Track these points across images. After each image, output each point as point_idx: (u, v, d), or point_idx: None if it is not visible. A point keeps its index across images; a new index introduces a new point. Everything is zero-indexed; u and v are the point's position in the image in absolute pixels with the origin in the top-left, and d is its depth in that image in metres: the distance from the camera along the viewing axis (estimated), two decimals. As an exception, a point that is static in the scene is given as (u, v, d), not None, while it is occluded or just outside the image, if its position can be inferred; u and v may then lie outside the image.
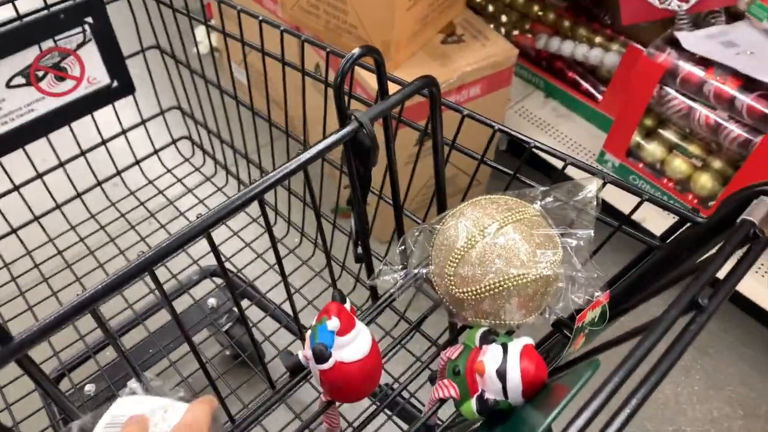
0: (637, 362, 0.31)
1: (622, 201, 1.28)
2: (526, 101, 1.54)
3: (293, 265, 0.89)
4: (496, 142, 1.55)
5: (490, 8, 1.59)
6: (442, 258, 0.45)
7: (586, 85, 1.47)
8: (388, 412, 0.82)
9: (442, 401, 0.48)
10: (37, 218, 0.93)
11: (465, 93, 1.26)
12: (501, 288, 0.42)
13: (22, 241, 0.91)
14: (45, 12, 0.76)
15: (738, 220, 0.36)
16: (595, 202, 0.44)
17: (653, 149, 1.24)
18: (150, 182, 1.02)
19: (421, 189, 1.36)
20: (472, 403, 0.44)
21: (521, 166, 0.52)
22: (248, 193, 0.37)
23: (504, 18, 1.56)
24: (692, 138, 1.22)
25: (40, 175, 0.92)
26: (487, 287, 0.43)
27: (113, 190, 0.99)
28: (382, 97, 0.44)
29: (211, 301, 1.12)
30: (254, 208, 0.83)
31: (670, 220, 1.25)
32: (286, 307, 0.69)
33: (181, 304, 1.05)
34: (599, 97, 1.44)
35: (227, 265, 0.97)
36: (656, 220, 1.25)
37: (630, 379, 0.32)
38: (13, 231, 0.91)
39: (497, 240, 0.43)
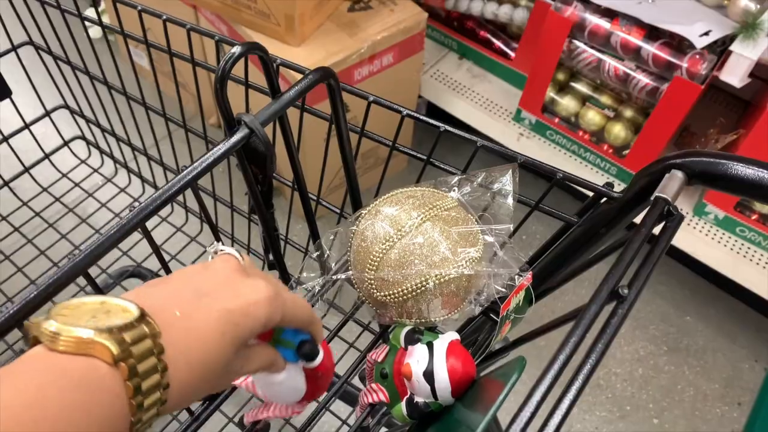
0: (564, 363, 0.30)
1: (546, 161, 1.30)
2: (440, 64, 1.52)
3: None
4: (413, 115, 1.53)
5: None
6: (361, 262, 0.43)
7: (498, 43, 1.46)
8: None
9: (372, 406, 0.46)
10: None
11: (377, 62, 1.22)
12: (423, 288, 0.40)
13: None
14: None
15: (652, 198, 0.35)
16: (511, 192, 0.43)
17: (567, 103, 1.25)
18: (44, 189, 0.94)
19: (339, 171, 1.32)
20: (402, 407, 0.42)
21: (433, 150, 0.50)
22: (126, 224, 0.33)
23: (410, -21, 1.52)
24: (603, 89, 1.23)
25: None
26: (409, 289, 0.41)
27: (4, 203, 0.91)
28: (273, 96, 0.40)
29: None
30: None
31: (598, 178, 1.26)
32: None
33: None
34: (512, 54, 1.43)
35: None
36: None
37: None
38: None
39: (416, 239, 0.40)
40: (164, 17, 0.60)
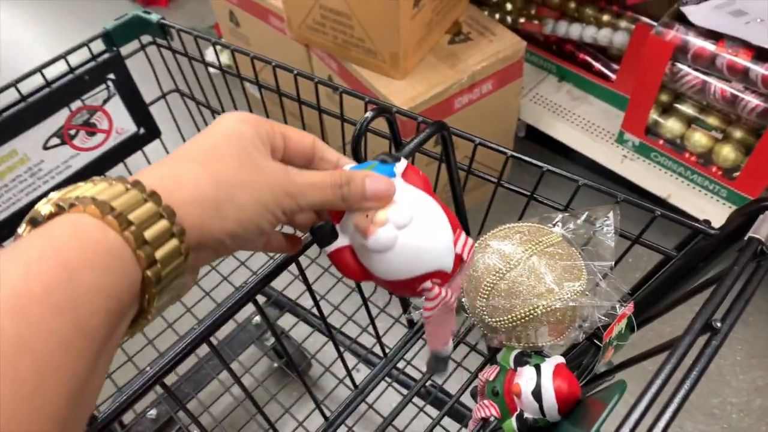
0: (658, 389, 0.33)
1: (651, 183, 1.28)
2: (539, 87, 1.55)
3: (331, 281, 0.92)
4: (513, 136, 1.56)
5: (494, -2, 1.59)
6: (473, 290, 0.48)
7: (598, 66, 1.47)
8: (434, 412, 0.85)
9: (485, 420, 0.51)
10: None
11: (477, 91, 1.28)
12: (531, 317, 0.45)
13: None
14: (71, 76, 0.80)
15: (746, 238, 0.38)
16: (613, 230, 0.47)
17: (671, 125, 1.24)
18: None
19: (443, 192, 1.38)
20: (513, 422, 0.47)
21: (536, 188, 0.54)
22: (279, 262, 0.41)
23: (509, 6, 1.56)
24: (710, 110, 1.21)
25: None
26: (518, 317, 0.46)
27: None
28: (396, 147, 0.47)
29: (256, 320, 1.18)
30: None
31: (707, 200, 1.22)
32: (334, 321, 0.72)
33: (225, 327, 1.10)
34: (612, 76, 1.44)
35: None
36: (693, 201, 1.26)
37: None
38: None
39: (523, 272, 0.45)
40: (295, 72, 0.69)
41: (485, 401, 0.50)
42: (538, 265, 0.45)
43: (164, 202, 0.28)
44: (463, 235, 0.37)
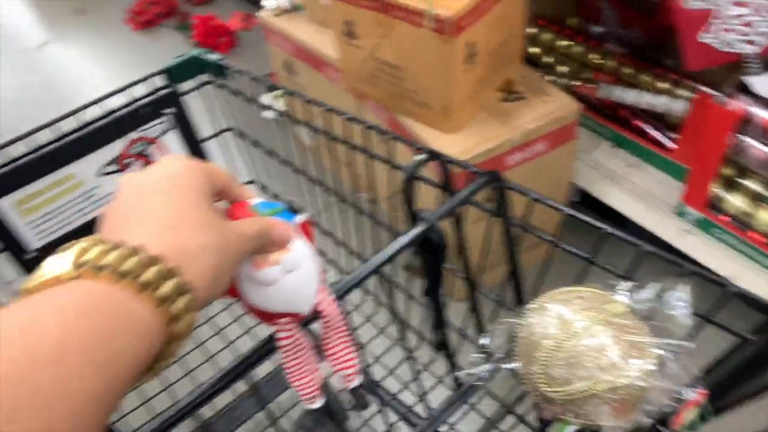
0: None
1: (714, 261, 1.21)
2: (594, 152, 1.51)
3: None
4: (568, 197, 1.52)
5: (547, 59, 1.58)
6: (528, 356, 0.44)
7: (653, 133, 1.43)
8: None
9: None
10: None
11: (530, 150, 1.25)
12: (591, 392, 0.41)
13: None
14: (131, 107, 0.82)
15: None
16: (686, 307, 0.42)
17: (735, 201, 1.18)
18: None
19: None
20: None
21: (596, 251, 0.51)
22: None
23: (564, 68, 1.55)
24: (778, 186, 1.15)
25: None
26: (578, 389, 0.41)
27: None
28: (447, 192, 0.44)
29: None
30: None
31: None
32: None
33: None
34: (669, 144, 1.39)
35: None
36: (761, 285, 1.18)
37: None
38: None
39: (585, 342, 0.41)
40: (346, 116, 0.68)
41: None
42: (602, 336, 0.41)
43: (184, 276, 0.30)
44: (327, 291, 0.43)
